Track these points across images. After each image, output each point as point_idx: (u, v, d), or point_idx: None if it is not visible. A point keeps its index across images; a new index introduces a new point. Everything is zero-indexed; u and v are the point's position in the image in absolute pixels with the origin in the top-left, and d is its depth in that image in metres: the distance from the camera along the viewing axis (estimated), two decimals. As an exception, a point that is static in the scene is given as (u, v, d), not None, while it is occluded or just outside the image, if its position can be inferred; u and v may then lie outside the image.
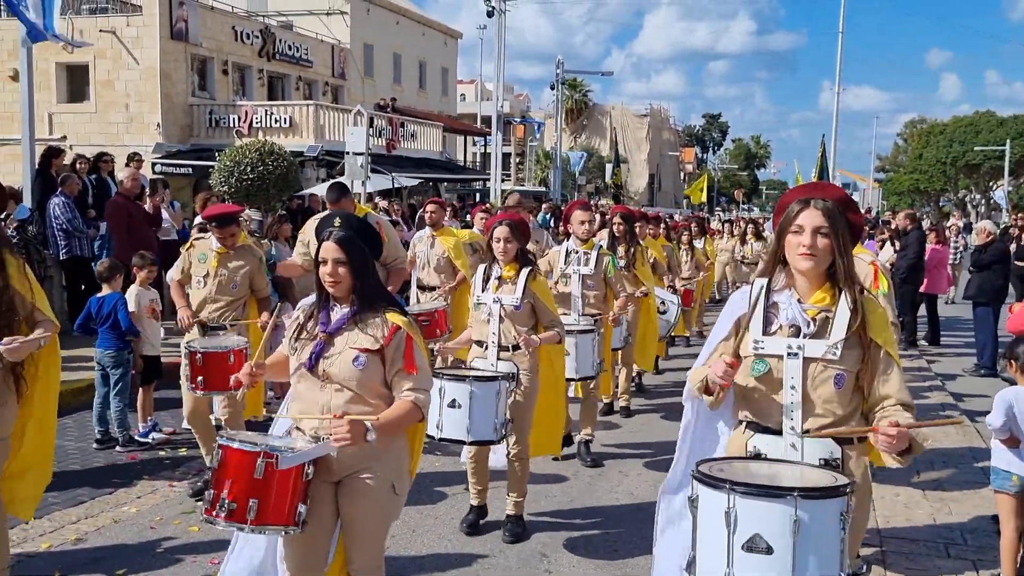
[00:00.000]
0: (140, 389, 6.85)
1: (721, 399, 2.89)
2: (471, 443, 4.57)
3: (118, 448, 6.48)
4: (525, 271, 4.85)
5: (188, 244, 5.88)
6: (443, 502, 5.47)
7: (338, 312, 3.14)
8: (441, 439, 4.54)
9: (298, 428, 3.20)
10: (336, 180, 7.36)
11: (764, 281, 2.88)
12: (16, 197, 9.55)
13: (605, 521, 5.27)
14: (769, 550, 2.38)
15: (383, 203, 16.89)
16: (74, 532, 4.89)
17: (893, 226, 16.60)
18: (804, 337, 2.74)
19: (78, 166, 11.16)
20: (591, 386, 6.45)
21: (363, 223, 3.25)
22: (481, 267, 5.02)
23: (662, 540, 3.12)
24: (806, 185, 2.95)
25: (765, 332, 2.80)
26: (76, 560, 4.51)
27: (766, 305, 2.83)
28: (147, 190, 10.56)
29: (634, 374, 8.46)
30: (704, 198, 25.54)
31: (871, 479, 2.93)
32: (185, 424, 6.69)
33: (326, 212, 3.46)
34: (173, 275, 5.86)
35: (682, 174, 69.23)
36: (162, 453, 6.48)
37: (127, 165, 11.14)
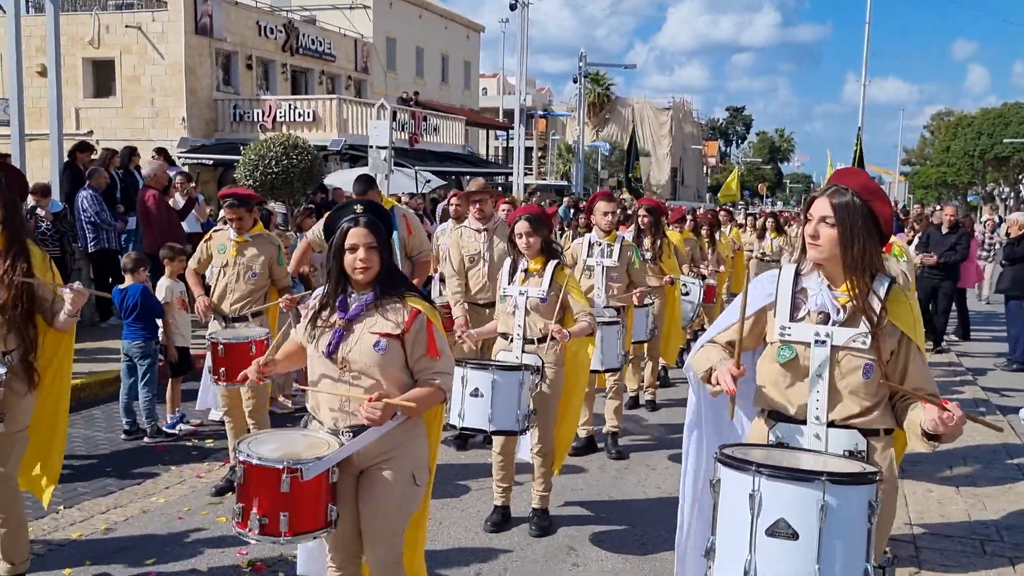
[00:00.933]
0: (169, 381, 6.90)
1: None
2: (492, 433, 4.53)
3: (146, 439, 6.53)
4: (552, 264, 4.80)
5: (207, 236, 5.90)
6: (468, 495, 5.46)
7: (356, 299, 3.08)
8: (463, 428, 4.51)
9: (316, 419, 3.16)
10: (363, 173, 7.35)
11: (794, 266, 2.82)
12: (45, 191, 9.64)
13: (632, 515, 5.23)
14: (794, 535, 2.31)
15: (405, 198, 16.90)
16: (103, 522, 4.92)
17: (915, 218, 16.36)
18: (833, 324, 2.66)
19: (109, 160, 11.25)
20: (616, 378, 6.41)
21: (379, 208, 3.21)
22: (508, 260, 4.99)
23: (688, 522, 3.06)
24: (837, 171, 2.86)
25: (792, 318, 2.72)
26: (106, 549, 4.54)
27: (794, 290, 2.76)
28: (174, 183, 10.62)
29: (659, 368, 8.40)
30: (738, 195, 25.28)
31: (897, 474, 2.85)
32: (213, 415, 6.75)
33: (340, 203, 3.39)
34: (189, 265, 5.89)
35: (705, 168, 68.87)
36: (189, 444, 6.52)
37: (153, 159, 11.22)
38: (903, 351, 2.68)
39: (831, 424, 2.67)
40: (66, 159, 10.92)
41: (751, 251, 13.46)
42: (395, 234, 6.18)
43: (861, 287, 2.64)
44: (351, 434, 3.01)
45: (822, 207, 2.66)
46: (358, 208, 3.10)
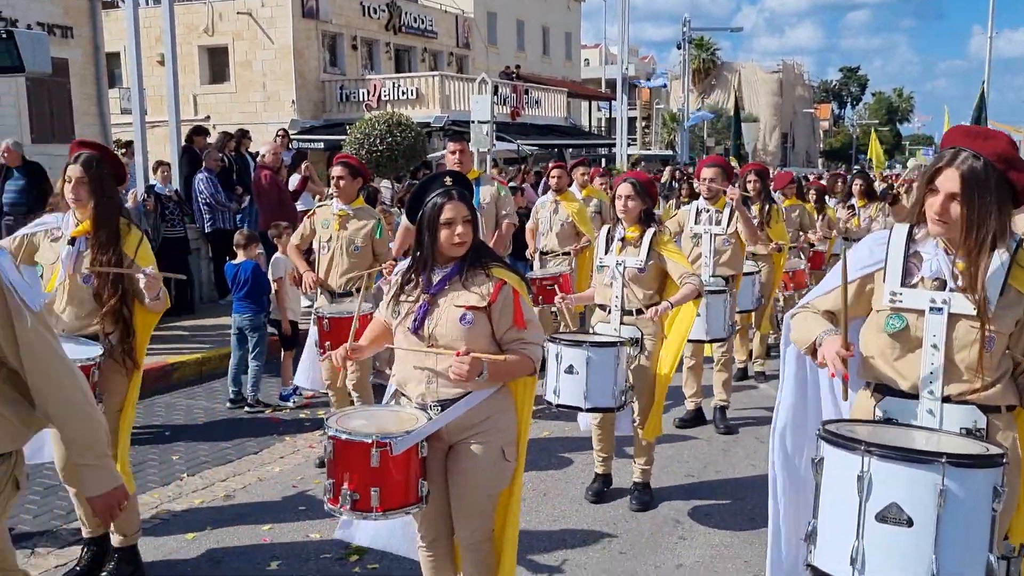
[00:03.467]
0: (283, 354, 7.16)
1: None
2: (588, 410, 4.42)
3: (247, 409, 6.80)
4: (650, 232, 4.66)
5: (311, 212, 6.00)
6: (571, 467, 5.45)
7: (439, 273, 3.02)
8: (558, 405, 4.43)
9: (403, 395, 3.11)
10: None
11: (906, 227, 2.57)
12: (166, 169, 10.16)
13: (741, 489, 5.11)
14: (909, 522, 2.13)
15: (511, 171, 16.93)
16: (223, 489, 5.15)
17: None
18: (951, 291, 2.43)
19: (224, 144, 11.70)
20: (724, 349, 6.25)
21: (464, 178, 3.13)
22: (604, 228, 4.89)
23: (779, 502, 2.86)
24: (970, 130, 2.57)
25: (904, 283, 2.50)
26: (225, 516, 4.75)
27: (907, 254, 2.53)
28: (286, 164, 10.95)
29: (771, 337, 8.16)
30: (883, 157, 23.87)
31: (1022, 455, 2.59)
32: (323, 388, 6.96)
33: (428, 176, 3.30)
34: (292, 240, 6.01)
35: (818, 132, 66.30)
36: (303, 415, 6.75)
37: (275, 140, 11.56)
38: None
39: (946, 399, 2.45)
40: (183, 144, 11.40)
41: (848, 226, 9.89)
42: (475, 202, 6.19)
43: (977, 263, 2.41)
44: (439, 408, 2.97)
45: (951, 182, 2.39)
46: (447, 180, 3.04)
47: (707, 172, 6.25)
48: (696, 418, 6.34)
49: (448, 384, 2.95)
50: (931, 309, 2.46)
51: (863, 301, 2.64)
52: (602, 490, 4.92)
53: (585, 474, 5.21)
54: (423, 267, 3.04)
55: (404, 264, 3.17)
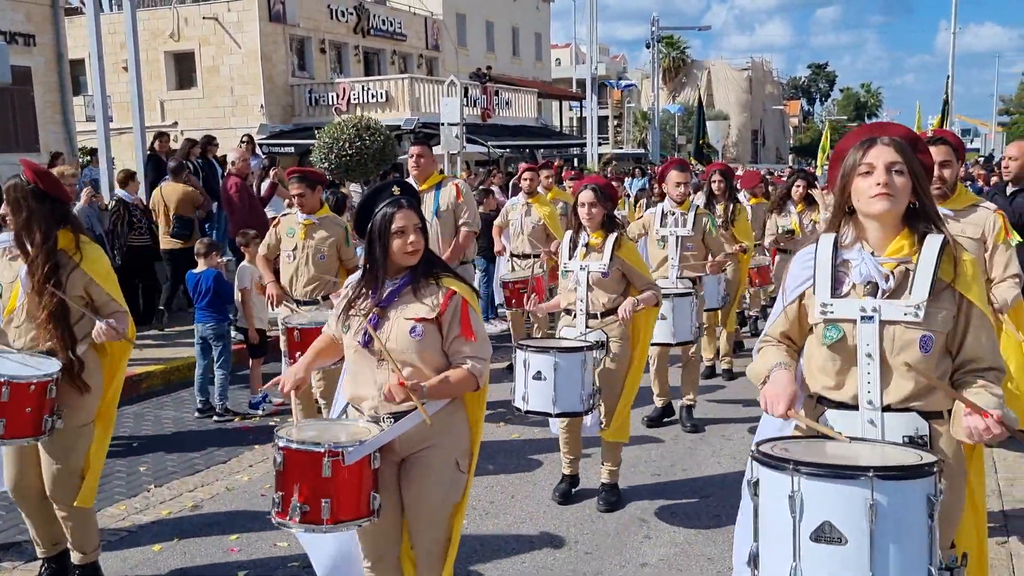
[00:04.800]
0: (250, 362, 7.14)
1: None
2: (557, 415, 4.48)
3: (215, 418, 6.79)
4: (612, 237, 4.72)
5: (275, 220, 6.00)
6: (540, 469, 5.49)
7: (389, 284, 2.99)
8: (527, 411, 4.47)
9: (356, 408, 3.08)
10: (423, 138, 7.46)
11: (831, 236, 2.52)
12: (126, 179, 10.07)
13: (706, 487, 5.18)
14: (841, 540, 2.09)
15: (466, 172, 16.94)
16: (191, 500, 5.14)
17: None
18: (881, 296, 2.40)
19: (188, 150, 11.62)
20: (692, 349, 6.32)
21: (412, 188, 3.12)
22: (568, 234, 4.94)
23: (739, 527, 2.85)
24: (865, 127, 2.60)
25: (835, 294, 2.46)
26: (193, 526, 4.74)
27: (835, 263, 2.48)
28: (256, 171, 10.90)
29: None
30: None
31: (976, 454, 2.58)
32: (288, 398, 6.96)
33: (375, 186, 3.25)
34: (260, 251, 6.01)
35: (788, 128, 66.90)
36: (272, 423, 6.73)
37: (240, 146, 11.51)
38: (963, 317, 2.40)
39: (886, 408, 2.40)
40: (148, 151, 11.33)
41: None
42: (434, 212, 6.21)
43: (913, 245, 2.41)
44: (392, 420, 2.93)
45: (886, 154, 2.38)
46: (396, 190, 3.01)
47: (677, 176, 6.28)
48: (662, 416, 6.41)
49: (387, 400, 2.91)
50: (862, 318, 2.41)
51: (806, 317, 2.60)
52: (569, 491, 4.97)
53: (553, 476, 5.25)
54: (374, 279, 3.01)
55: (355, 277, 3.14)
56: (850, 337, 2.43)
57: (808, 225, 8.19)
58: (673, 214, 6.30)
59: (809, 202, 8.44)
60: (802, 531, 2.13)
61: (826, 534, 2.11)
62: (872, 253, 2.46)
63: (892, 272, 2.42)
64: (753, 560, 2.28)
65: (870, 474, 2.09)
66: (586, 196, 4.72)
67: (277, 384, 3.21)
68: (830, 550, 2.11)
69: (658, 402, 6.42)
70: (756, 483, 2.27)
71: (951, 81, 32.92)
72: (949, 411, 2.42)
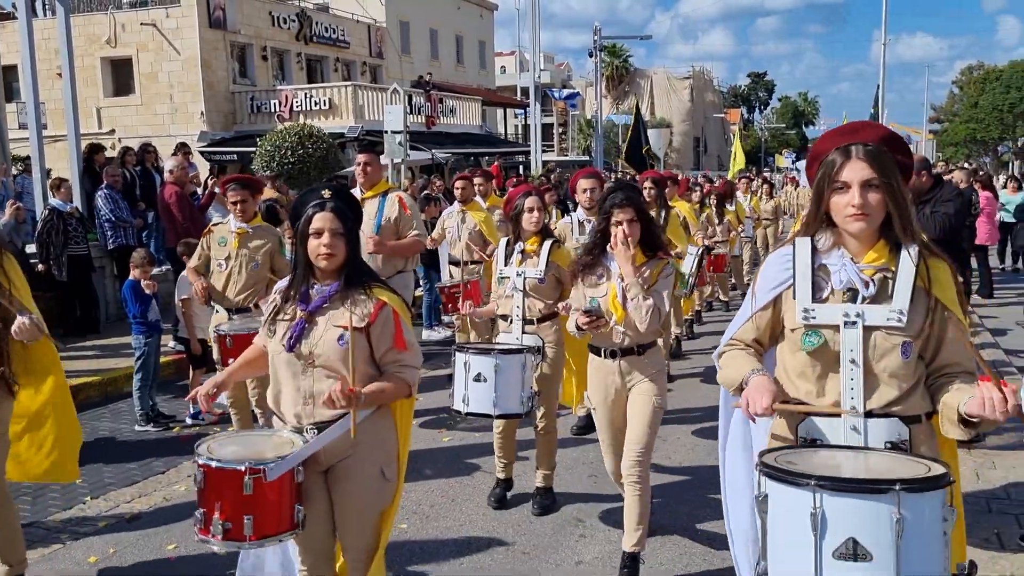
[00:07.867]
0: (191, 372, 7.09)
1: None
2: (497, 416, 4.56)
3: (151, 427, 6.77)
4: (548, 243, 4.83)
5: (206, 230, 5.97)
6: (478, 472, 5.57)
7: (318, 290, 2.93)
8: (468, 413, 4.53)
9: (279, 417, 3.03)
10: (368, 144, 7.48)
11: (808, 240, 2.48)
12: (58, 185, 9.89)
13: (641, 486, 5.30)
14: (867, 556, 2.01)
15: (409, 180, 16.97)
16: (128, 511, 5.11)
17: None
18: (863, 301, 2.38)
19: (126, 159, 11.46)
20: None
21: (349, 195, 3.08)
22: (503, 241, 5.04)
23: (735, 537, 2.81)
24: (842, 128, 2.51)
25: (815, 299, 2.42)
26: (129, 538, 4.71)
27: (813, 268, 2.45)
28: (196, 178, 10.80)
29: (671, 339, 8.44)
30: (742, 163, 24.83)
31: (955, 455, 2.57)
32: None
33: (308, 188, 3.20)
34: (191, 263, 5.95)
35: (729, 135, 68.12)
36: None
37: (174, 155, 11.39)
38: (938, 322, 2.40)
39: (869, 414, 2.38)
40: (83, 162, 11.13)
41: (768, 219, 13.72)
42: (377, 222, 6.17)
43: (916, 249, 2.36)
44: (315, 431, 2.88)
45: (860, 171, 2.32)
46: (326, 193, 2.96)
47: (585, 183, 6.22)
48: (591, 422, 6.45)
49: (325, 405, 2.87)
50: (845, 324, 2.38)
51: (778, 322, 2.57)
52: (504, 495, 5.04)
53: (492, 479, 5.33)
54: (301, 282, 2.97)
55: (283, 283, 3.09)
56: (832, 343, 2.41)
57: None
58: (589, 223, 6.20)
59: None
60: (825, 549, 2.05)
61: (851, 551, 2.04)
62: (852, 259, 2.43)
63: (872, 278, 2.40)
64: None
65: (896, 488, 2.03)
66: (533, 201, 4.81)
67: (194, 400, 3.16)
68: (856, 567, 2.03)
69: (580, 411, 6.28)
70: (765, 499, 2.17)
71: (881, 90, 33.94)
72: (928, 415, 2.44)
